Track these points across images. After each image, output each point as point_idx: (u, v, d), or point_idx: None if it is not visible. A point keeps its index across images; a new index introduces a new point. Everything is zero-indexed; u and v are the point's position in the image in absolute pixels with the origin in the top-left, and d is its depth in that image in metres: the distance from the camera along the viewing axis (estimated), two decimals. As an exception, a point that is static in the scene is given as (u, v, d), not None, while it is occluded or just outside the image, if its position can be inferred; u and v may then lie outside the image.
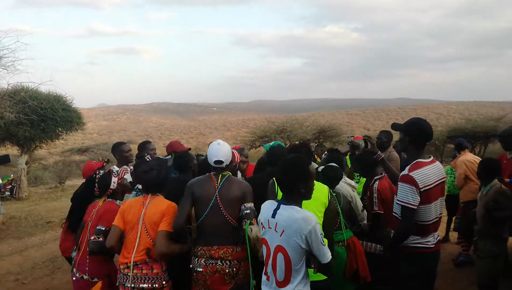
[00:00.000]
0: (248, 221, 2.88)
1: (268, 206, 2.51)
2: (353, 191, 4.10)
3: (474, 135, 21.29)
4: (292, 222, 2.31)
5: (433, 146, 24.58)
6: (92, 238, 3.09)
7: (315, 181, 3.08)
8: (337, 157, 4.05)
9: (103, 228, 3.09)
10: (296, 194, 2.41)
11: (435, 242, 2.93)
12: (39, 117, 13.41)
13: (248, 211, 2.92)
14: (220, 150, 3.08)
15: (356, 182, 4.54)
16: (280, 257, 2.37)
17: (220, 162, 3.05)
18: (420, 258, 2.88)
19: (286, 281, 2.36)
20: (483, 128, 21.96)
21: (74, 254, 3.47)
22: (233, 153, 3.88)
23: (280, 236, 2.35)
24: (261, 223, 2.51)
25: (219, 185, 2.99)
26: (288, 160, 2.49)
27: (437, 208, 2.92)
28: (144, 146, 5.05)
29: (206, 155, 3.36)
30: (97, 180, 3.54)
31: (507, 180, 4.27)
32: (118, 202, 3.36)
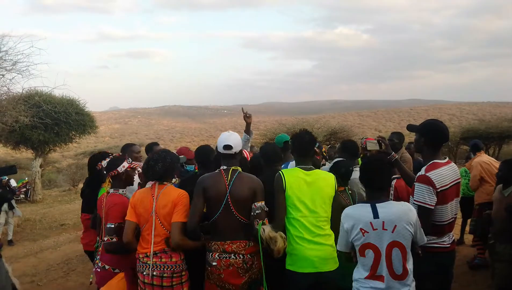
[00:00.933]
0: (261, 222, 2.89)
1: (360, 210, 2.58)
2: None
3: (488, 136, 20.97)
4: (403, 214, 2.49)
5: (446, 147, 24.29)
6: (105, 239, 3.10)
7: (320, 171, 3.12)
8: (351, 145, 4.18)
9: (113, 226, 3.09)
10: (386, 191, 2.64)
11: (450, 242, 2.94)
12: (53, 120, 13.61)
13: (259, 211, 2.92)
14: (230, 136, 3.10)
15: None
16: (395, 251, 2.49)
17: (229, 147, 3.03)
18: (436, 257, 2.88)
19: (405, 272, 2.51)
20: (497, 129, 21.61)
21: (96, 245, 3.51)
22: (244, 153, 3.89)
23: (392, 232, 2.48)
24: (360, 229, 2.52)
25: (229, 183, 2.97)
26: (375, 161, 2.67)
27: (453, 209, 2.93)
28: (151, 147, 4.99)
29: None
30: (107, 160, 3.51)
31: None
32: (121, 191, 3.29)
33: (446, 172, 2.87)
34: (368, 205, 2.54)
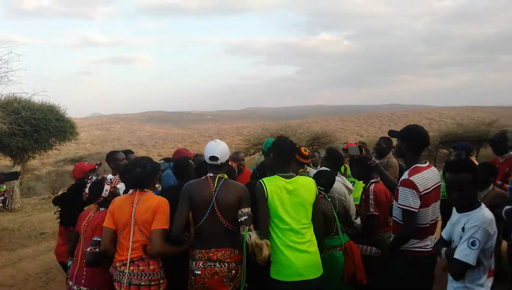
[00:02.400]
0: (247, 228, 2.88)
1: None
2: (349, 194, 4.18)
3: (466, 140, 21.47)
4: None
5: (426, 151, 24.75)
6: (88, 249, 3.06)
7: (301, 177, 3.13)
8: (334, 151, 4.26)
9: (99, 239, 3.06)
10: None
11: (432, 245, 3.00)
12: (32, 127, 13.34)
13: (246, 217, 2.92)
14: (216, 147, 3.08)
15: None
16: None
17: (215, 158, 3.03)
18: (418, 261, 2.93)
19: None
20: (475, 133, 22.20)
21: (69, 263, 3.45)
22: (231, 163, 3.91)
23: None
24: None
25: (215, 190, 2.97)
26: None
27: (435, 211, 3.00)
28: (112, 156, 4.83)
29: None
30: (88, 185, 3.52)
31: (499, 183, 4.34)
32: None
33: (428, 176, 2.95)
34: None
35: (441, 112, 74.90)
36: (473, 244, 2.43)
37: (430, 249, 2.96)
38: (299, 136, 23.63)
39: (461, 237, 2.55)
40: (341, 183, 4.22)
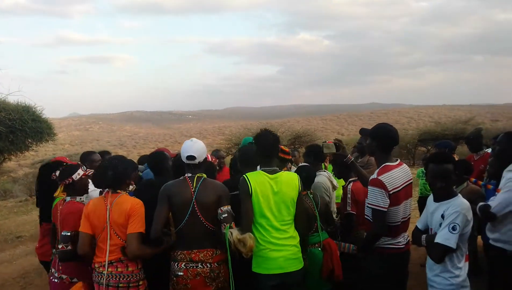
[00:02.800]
0: (228, 225, 2.88)
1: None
2: (333, 190, 4.21)
3: (443, 137, 21.97)
4: None
5: (404, 149, 25.20)
6: (60, 247, 3.02)
7: (284, 173, 3.13)
8: (315, 150, 4.26)
9: (68, 233, 3.01)
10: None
11: (405, 242, 3.05)
12: (7, 128, 12.99)
13: (226, 215, 2.92)
14: (193, 146, 3.03)
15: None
16: None
17: (192, 157, 2.99)
18: (390, 258, 2.97)
19: None
20: (452, 131, 22.74)
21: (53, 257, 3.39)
22: (210, 158, 3.86)
23: None
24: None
25: (195, 190, 2.95)
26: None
27: (406, 209, 3.03)
28: (87, 157, 4.68)
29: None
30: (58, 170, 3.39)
31: (473, 180, 4.45)
32: (78, 199, 3.23)
33: (397, 174, 2.97)
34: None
35: (419, 110, 76.37)
36: (453, 228, 2.62)
37: (402, 246, 3.01)
38: (280, 135, 23.71)
39: (440, 224, 2.72)
40: (326, 178, 4.26)
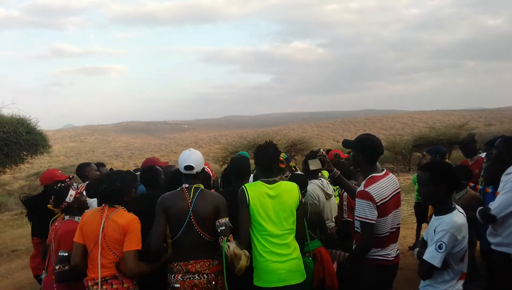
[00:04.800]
0: (225, 238, 2.87)
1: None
2: (326, 197, 4.19)
3: (438, 143, 22.12)
4: None
5: (400, 154, 25.31)
6: (57, 268, 2.97)
7: (284, 182, 3.15)
8: (312, 156, 4.22)
9: (66, 254, 2.97)
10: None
11: (395, 255, 3.01)
12: (1, 141, 12.94)
13: (224, 228, 2.90)
14: (190, 156, 3.03)
15: (336, 195, 4.64)
16: None
17: (190, 167, 2.98)
18: (378, 270, 2.93)
19: None
20: (446, 136, 22.92)
21: (43, 276, 3.34)
22: (208, 171, 3.88)
23: None
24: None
25: (192, 201, 2.93)
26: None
27: (395, 219, 3.00)
28: (83, 168, 4.79)
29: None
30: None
31: (471, 185, 4.47)
32: (77, 219, 3.17)
33: (385, 185, 2.94)
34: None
35: (414, 116, 76.76)
36: (440, 247, 2.54)
37: (392, 259, 2.98)
38: (276, 143, 23.72)
39: (432, 239, 2.66)
40: (317, 186, 4.23)
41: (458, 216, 2.65)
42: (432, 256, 2.55)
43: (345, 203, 3.92)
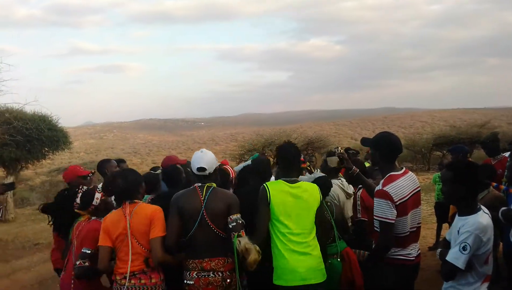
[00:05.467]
0: (236, 234, 2.88)
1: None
2: (347, 197, 4.16)
3: (459, 141, 21.66)
4: None
5: (419, 153, 24.90)
6: (77, 263, 3.03)
7: (305, 182, 3.14)
8: (332, 154, 4.22)
9: (88, 251, 3.03)
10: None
11: (416, 255, 2.95)
12: (24, 137, 13.26)
13: (235, 224, 2.92)
14: (203, 157, 3.05)
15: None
16: None
17: (203, 169, 3.02)
18: (399, 270, 2.88)
19: None
20: (467, 135, 22.39)
21: (62, 274, 3.42)
22: (227, 169, 3.92)
23: None
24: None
25: (204, 199, 2.96)
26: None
27: (415, 218, 2.94)
28: (103, 164, 4.80)
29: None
30: (79, 195, 3.47)
31: (494, 184, 4.37)
32: (102, 219, 3.25)
33: (403, 183, 2.88)
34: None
35: (434, 114, 75.44)
36: (464, 248, 2.48)
37: (413, 259, 2.92)
38: (293, 141, 23.64)
39: (455, 240, 2.59)
40: (337, 186, 4.21)
41: (483, 217, 2.57)
42: (456, 257, 2.49)
43: (358, 202, 3.87)
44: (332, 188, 4.03)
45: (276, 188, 2.99)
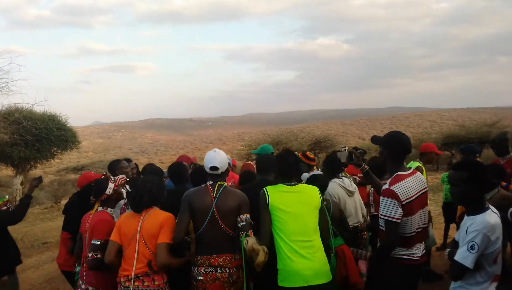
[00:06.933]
0: (244, 233, 2.91)
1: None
2: (348, 194, 4.16)
3: (468, 141, 21.43)
4: None
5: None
6: (90, 255, 3.07)
7: (304, 185, 3.19)
8: (331, 157, 4.32)
9: (98, 242, 3.07)
10: None
11: (420, 254, 2.94)
12: (33, 137, 13.40)
13: (244, 223, 2.96)
14: (216, 157, 3.13)
15: None
16: None
17: (216, 168, 3.09)
18: (404, 269, 2.87)
19: None
20: (477, 134, 22.13)
21: (78, 269, 3.46)
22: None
23: None
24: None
25: (215, 197, 3.02)
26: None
27: (421, 219, 2.92)
28: (114, 165, 4.82)
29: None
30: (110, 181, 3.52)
31: (504, 184, 4.32)
32: (109, 210, 3.32)
33: (410, 184, 2.86)
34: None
35: (442, 114, 74.84)
36: (472, 247, 2.46)
37: (417, 258, 2.90)
38: (300, 140, 23.65)
39: (464, 240, 2.57)
40: (337, 184, 4.20)
41: (491, 216, 2.55)
42: (464, 257, 2.47)
43: (371, 197, 3.89)
44: (332, 187, 4.05)
45: (275, 191, 3.03)
